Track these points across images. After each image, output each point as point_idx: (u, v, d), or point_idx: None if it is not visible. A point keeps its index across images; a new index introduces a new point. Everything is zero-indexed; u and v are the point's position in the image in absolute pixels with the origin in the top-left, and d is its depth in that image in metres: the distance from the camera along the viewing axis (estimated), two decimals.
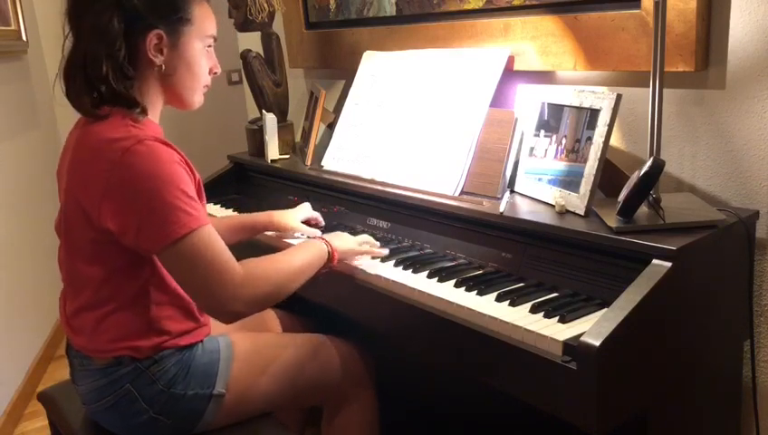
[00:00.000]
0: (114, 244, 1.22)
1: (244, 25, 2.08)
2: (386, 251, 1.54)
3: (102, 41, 1.20)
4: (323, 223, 1.73)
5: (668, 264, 1.12)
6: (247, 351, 1.40)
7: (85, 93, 1.22)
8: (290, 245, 1.65)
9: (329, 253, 1.42)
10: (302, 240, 1.68)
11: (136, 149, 1.17)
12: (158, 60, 1.26)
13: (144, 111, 1.25)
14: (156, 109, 1.32)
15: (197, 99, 1.36)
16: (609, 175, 1.40)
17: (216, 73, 1.37)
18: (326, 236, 1.49)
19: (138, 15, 1.22)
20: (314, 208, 1.79)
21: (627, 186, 1.26)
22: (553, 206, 1.38)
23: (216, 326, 1.44)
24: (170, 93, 1.32)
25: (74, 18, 1.24)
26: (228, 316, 1.25)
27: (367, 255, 1.51)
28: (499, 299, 1.26)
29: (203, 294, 1.21)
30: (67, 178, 1.27)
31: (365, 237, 1.56)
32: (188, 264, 1.18)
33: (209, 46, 1.34)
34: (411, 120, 1.71)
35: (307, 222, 1.71)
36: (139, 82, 1.26)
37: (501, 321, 1.18)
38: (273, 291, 1.28)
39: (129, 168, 1.16)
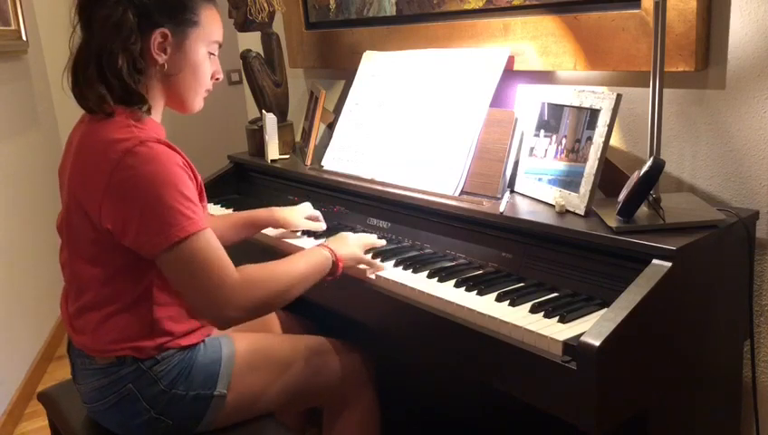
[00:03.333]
0: (115, 245, 1.21)
1: (245, 25, 2.08)
2: (385, 262, 1.49)
3: (118, 34, 1.20)
4: (324, 224, 1.72)
5: (668, 264, 1.12)
6: (249, 352, 1.40)
7: (94, 88, 1.22)
8: (290, 245, 1.67)
9: (333, 262, 1.38)
10: (303, 240, 1.68)
11: (137, 151, 1.17)
12: (161, 59, 1.26)
13: (149, 110, 1.25)
14: (158, 109, 1.32)
15: (198, 103, 1.36)
16: (609, 175, 1.40)
17: (217, 79, 1.38)
18: (329, 241, 1.45)
19: (146, 12, 1.23)
20: (314, 208, 1.79)
21: (627, 186, 1.26)
22: (553, 206, 1.38)
23: None
24: (171, 94, 1.32)
25: (86, 12, 1.24)
26: (222, 321, 1.24)
27: (369, 265, 1.46)
28: (499, 299, 1.26)
29: (198, 297, 1.20)
30: (69, 178, 1.26)
31: (366, 237, 1.52)
32: (185, 267, 1.18)
33: (213, 53, 1.35)
34: (411, 120, 1.71)
35: (309, 220, 1.71)
36: (143, 78, 1.26)
37: (501, 321, 1.18)
38: (270, 298, 1.25)
39: (130, 169, 1.16)
